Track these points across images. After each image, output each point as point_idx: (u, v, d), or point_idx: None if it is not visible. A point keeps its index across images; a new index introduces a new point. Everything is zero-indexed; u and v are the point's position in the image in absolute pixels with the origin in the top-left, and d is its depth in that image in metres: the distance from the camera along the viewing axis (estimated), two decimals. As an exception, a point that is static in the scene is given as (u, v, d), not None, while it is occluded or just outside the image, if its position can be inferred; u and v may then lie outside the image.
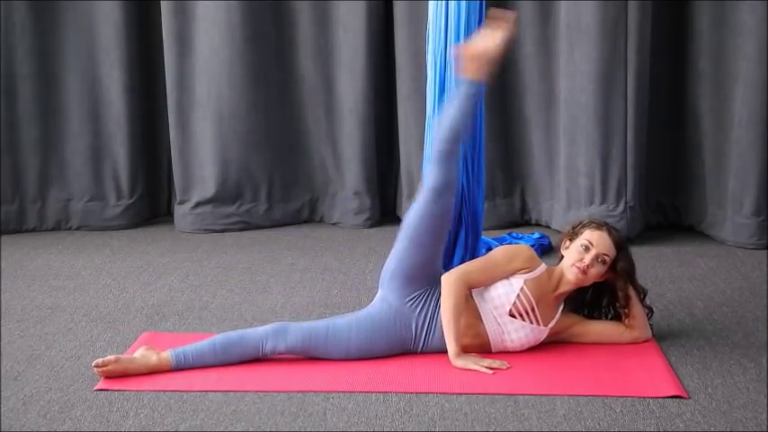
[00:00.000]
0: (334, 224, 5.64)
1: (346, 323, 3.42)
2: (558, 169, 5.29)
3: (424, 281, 3.46)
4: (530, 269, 3.47)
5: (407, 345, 3.44)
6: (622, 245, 3.51)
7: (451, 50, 3.61)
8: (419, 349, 3.45)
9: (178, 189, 5.61)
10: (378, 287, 3.57)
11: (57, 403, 3.08)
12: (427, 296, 3.46)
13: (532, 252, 3.53)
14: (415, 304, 3.44)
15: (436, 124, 3.59)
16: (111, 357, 3.27)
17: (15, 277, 4.57)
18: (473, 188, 4.02)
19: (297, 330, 3.38)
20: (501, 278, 3.45)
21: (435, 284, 3.46)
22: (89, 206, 5.61)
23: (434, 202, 3.48)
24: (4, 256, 4.95)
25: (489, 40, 3.51)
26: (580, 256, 3.44)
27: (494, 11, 3.62)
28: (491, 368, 3.29)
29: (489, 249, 4.35)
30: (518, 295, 3.42)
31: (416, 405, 3.04)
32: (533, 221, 5.55)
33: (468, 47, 3.53)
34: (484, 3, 3.83)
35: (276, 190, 5.63)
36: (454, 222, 4.08)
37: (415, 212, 3.52)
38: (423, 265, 3.47)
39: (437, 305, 3.43)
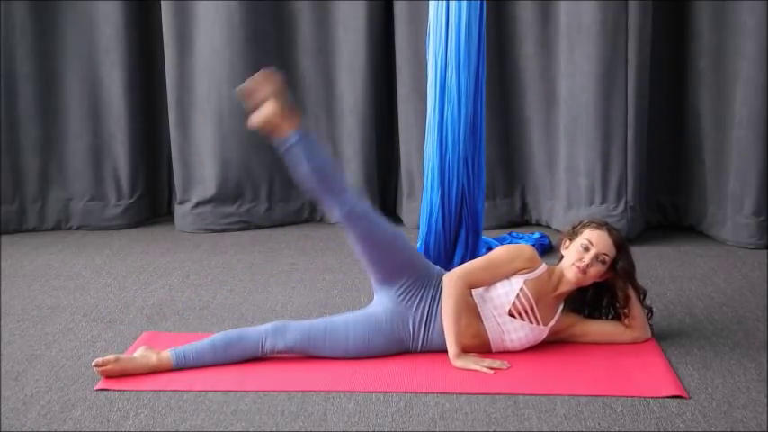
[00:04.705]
0: (334, 224, 5.64)
1: (344, 321, 3.42)
2: (559, 169, 5.29)
3: (403, 271, 3.45)
4: (531, 269, 3.47)
5: (406, 343, 3.44)
6: (622, 245, 3.51)
7: (250, 125, 3.47)
8: (419, 347, 3.45)
9: (178, 189, 5.61)
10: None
11: (57, 403, 3.08)
12: (422, 291, 3.45)
13: (534, 252, 3.53)
14: (409, 301, 3.44)
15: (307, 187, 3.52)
16: (110, 357, 3.27)
17: (15, 277, 4.57)
18: (473, 188, 4.03)
19: (296, 329, 3.39)
20: (502, 278, 3.45)
21: (426, 276, 3.46)
22: (89, 206, 5.61)
23: (351, 228, 3.45)
24: (4, 256, 4.95)
25: (265, 109, 3.44)
26: (580, 255, 3.44)
27: (250, 82, 3.47)
28: (491, 368, 3.29)
29: (489, 249, 4.36)
30: (517, 295, 3.42)
31: (416, 405, 3.04)
32: (533, 221, 5.55)
33: (254, 122, 3.44)
34: (484, 3, 3.84)
35: (276, 190, 5.63)
36: (454, 222, 4.09)
37: (353, 243, 3.49)
38: (387, 262, 3.45)
39: (433, 301, 3.43)
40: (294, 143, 3.42)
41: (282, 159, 3.48)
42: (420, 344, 3.45)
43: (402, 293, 3.45)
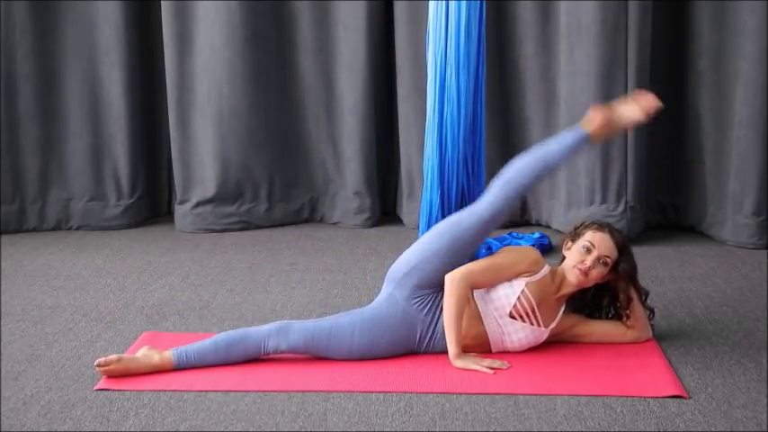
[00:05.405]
0: (334, 224, 5.64)
1: (349, 322, 3.41)
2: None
3: (437, 286, 3.45)
4: (534, 272, 3.46)
5: (410, 346, 3.44)
6: (624, 246, 3.50)
7: (591, 106, 3.59)
8: (422, 349, 3.45)
9: (178, 189, 5.61)
10: (380, 284, 3.56)
11: (57, 403, 3.08)
12: (434, 298, 3.45)
13: (538, 255, 3.51)
14: (422, 306, 3.44)
15: (529, 155, 3.55)
16: (113, 357, 3.27)
17: (15, 277, 4.57)
18: (473, 188, 4.02)
19: (299, 329, 3.38)
20: (505, 280, 3.44)
21: (442, 289, 3.45)
22: (89, 206, 5.61)
23: (486, 223, 3.48)
24: (4, 256, 4.95)
25: (631, 113, 3.53)
26: (581, 257, 3.43)
27: (642, 92, 3.60)
28: (491, 368, 3.29)
29: (489, 249, 4.36)
30: (518, 297, 3.41)
31: (416, 405, 3.04)
32: (534, 221, 5.55)
33: (609, 110, 3.54)
34: (484, 3, 3.83)
35: (276, 190, 5.63)
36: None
37: (460, 223, 3.50)
38: (444, 272, 3.44)
39: (441, 306, 3.42)
40: (580, 146, 3.53)
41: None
42: (424, 346, 3.44)
43: (420, 299, 3.45)
